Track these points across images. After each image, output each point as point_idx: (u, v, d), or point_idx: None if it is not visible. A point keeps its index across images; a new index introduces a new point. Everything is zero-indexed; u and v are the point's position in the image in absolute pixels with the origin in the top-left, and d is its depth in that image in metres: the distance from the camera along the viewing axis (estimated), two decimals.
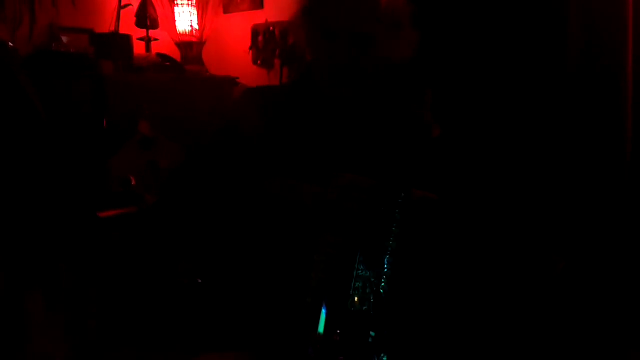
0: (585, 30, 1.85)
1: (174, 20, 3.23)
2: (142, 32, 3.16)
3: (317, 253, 1.05)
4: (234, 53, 3.26)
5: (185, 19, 3.23)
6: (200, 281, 1.45)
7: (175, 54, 3.21)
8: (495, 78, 2.05)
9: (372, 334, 0.92)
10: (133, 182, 2.45)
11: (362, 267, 0.99)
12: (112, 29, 3.01)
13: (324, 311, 0.95)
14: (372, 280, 0.97)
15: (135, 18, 3.14)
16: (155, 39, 3.20)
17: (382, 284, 0.97)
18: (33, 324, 1.32)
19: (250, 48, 3.14)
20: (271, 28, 3.04)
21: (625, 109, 1.82)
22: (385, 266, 0.97)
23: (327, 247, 1.05)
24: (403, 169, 1.27)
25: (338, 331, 0.93)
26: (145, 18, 3.13)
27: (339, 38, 1.38)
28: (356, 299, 0.97)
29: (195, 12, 3.24)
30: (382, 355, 0.90)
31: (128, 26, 3.10)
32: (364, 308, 0.97)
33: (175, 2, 3.22)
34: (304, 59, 1.54)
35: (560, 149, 1.90)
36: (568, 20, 1.88)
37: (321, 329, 0.94)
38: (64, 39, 2.93)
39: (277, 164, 1.37)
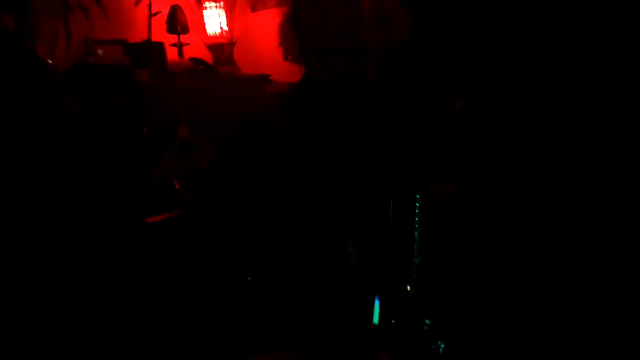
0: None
1: (204, 24, 3.26)
2: (174, 38, 3.20)
3: (350, 249, 1.05)
4: (265, 50, 3.27)
5: (214, 21, 3.26)
6: (249, 279, 1.46)
7: (207, 57, 3.24)
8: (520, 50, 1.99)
9: (427, 321, 0.92)
10: (177, 187, 2.49)
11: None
12: (145, 37, 3.06)
13: (377, 301, 0.95)
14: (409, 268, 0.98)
15: (166, 25, 3.19)
16: (187, 44, 3.24)
17: (414, 274, 0.97)
18: (118, 346, 1.35)
19: (281, 44, 3.15)
20: None
21: None
22: (416, 256, 0.98)
23: (357, 247, 1.05)
24: (418, 162, 1.26)
25: (393, 321, 0.94)
26: (176, 24, 3.17)
27: (329, 57, 1.36)
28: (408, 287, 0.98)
29: (224, 13, 3.27)
30: (440, 342, 0.90)
31: (160, 33, 3.14)
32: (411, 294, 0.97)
33: (204, 5, 3.25)
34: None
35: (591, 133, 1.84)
36: None
37: (376, 319, 0.94)
38: (100, 51, 2.99)
39: (299, 164, 1.37)
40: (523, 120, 1.54)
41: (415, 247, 0.99)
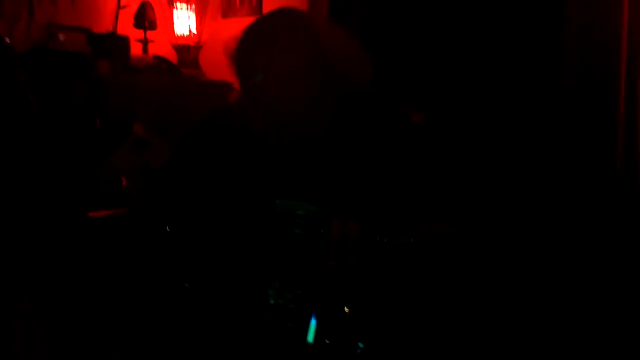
0: (582, 37, 1.86)
1: (172, 23, 3.23)
2: (140, 34, 3.16)
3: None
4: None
5: (184, 22, 3.23)
6: (187, 285, 1.44)
7: (172, 57, 3.21)
8: (487, 78, 2.05)
9: (361, 345, 0.92)
10: (124, 183, 2.44)
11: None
12: (110, 29, 3.01)
13: (313, 321, 0.95)
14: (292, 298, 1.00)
15: (133, 19, 3.14)
16: (152, 41, 3.20)
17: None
18: (18, 330, 1.30)
19: None
20: None
21: (617, 116, 1.83)
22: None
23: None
24: (337, 195, 1.26)
25: (327, 341, 0.93)
26: (144, 20, 3.13)
27: (271, 123, 1.35)
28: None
29: (194, 16, 3.25)
30: None
31: (126, 27, 3.10)
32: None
33: (174, 5, 3.22)
34: None
35: (552, 155, 1.91)
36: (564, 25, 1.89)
37: (310, 338, 0.94)
38: (61, 37, 2.92)
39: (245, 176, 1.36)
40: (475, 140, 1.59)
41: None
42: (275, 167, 1.39)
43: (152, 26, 3.18)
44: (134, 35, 3.13)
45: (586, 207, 1.82)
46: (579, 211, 1.83)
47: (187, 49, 3.24)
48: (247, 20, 1.49)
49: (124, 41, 3.00)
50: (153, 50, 3.18)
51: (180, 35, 3.24)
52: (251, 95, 1.38)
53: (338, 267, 1.05)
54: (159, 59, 3.05)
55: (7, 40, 2.30)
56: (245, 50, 1.37)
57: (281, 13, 1.42)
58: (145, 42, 3.16)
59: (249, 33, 1.39)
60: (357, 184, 1.33)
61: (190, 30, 3.24)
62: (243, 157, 1.43)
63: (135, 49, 3.12)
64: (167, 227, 1.40)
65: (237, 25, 1.46)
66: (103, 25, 3.08)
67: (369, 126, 1.39)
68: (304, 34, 1.33)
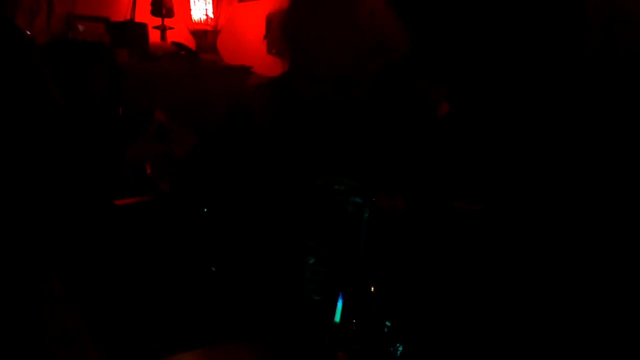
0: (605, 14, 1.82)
1: (189, 9, 3.23)
2: (158, 21, 3.16)
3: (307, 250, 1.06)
4: (249, 42, 3.26)
5: (201, 8, 3.23)
6: (214, 269, 1.46)
7: (190, 43, 3.22)
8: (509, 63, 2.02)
9: (388, 324, 0.93)
10: (148, 171, 2.46)
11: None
12: (128, 17, 3.02)
13: (340, 301, 0.96)
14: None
15: (150, 6, 3.15)
16: (171, 28, 3.21)
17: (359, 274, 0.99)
18: (49, 314, 1.34)
19: (265, 37, 3.14)
20: None
21: None
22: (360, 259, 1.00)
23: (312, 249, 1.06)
24: (380, 170, 1.26)
25: (354, 320, 0.94)
26: (161, 6, 3.14)
27: (322, 82, 1.35)
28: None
29: (210, 1, 3.24)
30: (398, 345, 0.91)
31: (144, 14, 3.11)
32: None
33: None
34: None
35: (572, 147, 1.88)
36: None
37: (337, 318, 0.95)
38: (80, 27, 2.94)
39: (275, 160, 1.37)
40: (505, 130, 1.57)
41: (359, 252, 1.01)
42: (317, 142, 1.40)
43: (170, 13, 3.18)
44: (152, 22, 3.13)
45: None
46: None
47: (205, 35, 3.25)
48: (264, 4, 1.49)
49: (142, 29, 3.01)
50: (171, 37, 3.19)
51: (198, 21, 3.24)
52: (302, 51, 1.37)
53: (383, 238, 1.04)
54: (178, 46, 3.06)
55: (28, 33, 2.32)
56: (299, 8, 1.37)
57: None
58: (163, 29, 3.17)
59: None
60: (392, 159, 1.34)
61: (207, 15, 3.24)
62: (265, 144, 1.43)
63: (154, 37, 3.13)
64: (205, 210, 1.42)
65: (254, 9, 1.46)
66: (121, 14, 3.09)
67: (403, 102, 1.40)
68: None
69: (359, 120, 1.39)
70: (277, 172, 1.41)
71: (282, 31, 1.40)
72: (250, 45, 3.24)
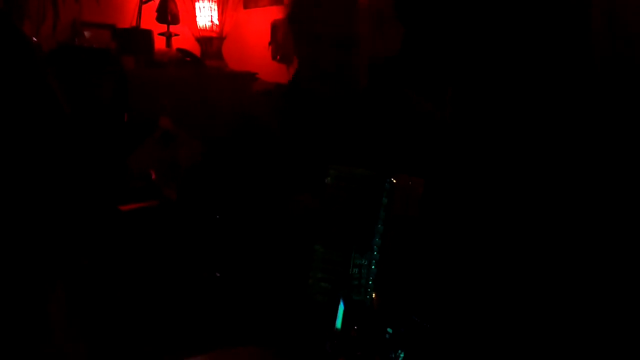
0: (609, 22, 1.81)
1: (195, 16, 3.25)
2: (163, 28, 3.18)
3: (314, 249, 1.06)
4: (254, 48, 3.27)
5: (206, 14, 3.25)
6: (218, 275, 1.46)
7: (196, 50, 3.23)
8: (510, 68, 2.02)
9: (389, 330, 0.93)
10: (153, 177, 2.47)
11: (357, 255, 1.00)
12: (134, 24, 3.04)
13: (341, 307, 0.96)
14: (365, 264, 0.99)
15: (156, 13, 3.17)
16: (176, 34, 3.22)
17: (373, 268, 0.98)
18: (54, 323, 1.34)
19: (270, 43, 3.15)
20: None
21: None
22: (375, 251, 0.99)
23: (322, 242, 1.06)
24: (391, 156, 1.28)
25: (355, 327, 0.94)
26: (166, 13, 3.15)
27: (322, 42, 1.40)
28: (357, 286, 0.99)
29: (216, 8, 3.26)
30: (399, 351, 0.91)
31: (149, 21, 3.12)
32: (367, 297, 0.98)
33: None
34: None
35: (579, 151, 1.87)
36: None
37: (339, 324, 0.95)
38: (87, 34, 2.96)
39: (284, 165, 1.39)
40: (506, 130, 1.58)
41: (374, 242, 1.00)
42: (326, 136, 1.43)
43: (175, 19, 3.20)
44: (158, 29, 3.15)
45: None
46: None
47: (210, 41, 3.26)
48: (268, 11, 1.53)
49: (147, 35, 3.03)
50: (176, 43, 3.21)
51: (203, 27, 3.25)
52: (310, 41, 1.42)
53: (402, 219, 1.04)
54: (183, 52, 3.08)
55: (34, 39, 2.34)
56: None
57: None
58: (168, 36, 3.19)
59: None
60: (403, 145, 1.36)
61: (212, 22, 3.25)
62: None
63: (159, 43, 3.15)
64: (217, 216, 1.43)
65: (259, 15, 1.50)
66: (127, 21, 3.11)
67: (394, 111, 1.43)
68: None
69: (362, 112, 1.43)
70: (285, 176, 1.42)
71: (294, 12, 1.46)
72: (256, 51, 3.25)
